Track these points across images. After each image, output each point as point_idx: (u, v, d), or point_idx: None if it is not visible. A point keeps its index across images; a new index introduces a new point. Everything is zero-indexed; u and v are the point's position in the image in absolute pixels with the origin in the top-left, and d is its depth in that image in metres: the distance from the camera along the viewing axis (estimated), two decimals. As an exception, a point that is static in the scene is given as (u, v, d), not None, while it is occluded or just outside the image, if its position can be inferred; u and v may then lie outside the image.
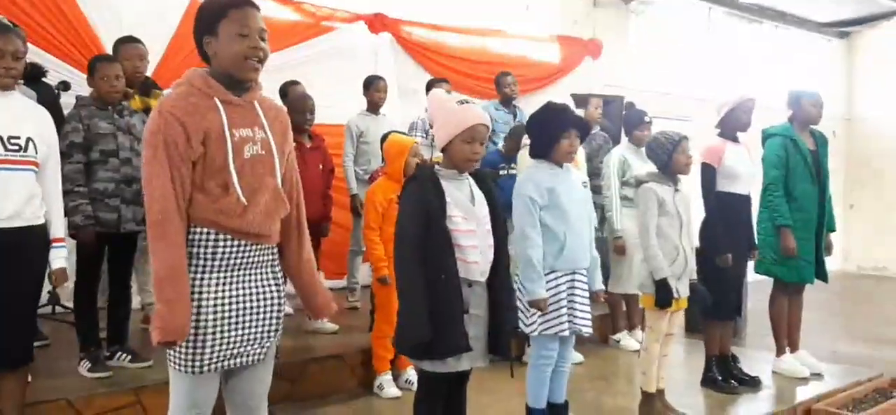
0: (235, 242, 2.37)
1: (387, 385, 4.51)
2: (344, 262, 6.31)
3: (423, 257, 2.85)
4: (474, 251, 2.92)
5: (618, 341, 6.03)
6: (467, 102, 3.04)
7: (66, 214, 3.53)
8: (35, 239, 3.14)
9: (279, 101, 5.44)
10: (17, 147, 3.03)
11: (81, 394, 3.73)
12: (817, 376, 5.23)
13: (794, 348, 5.32)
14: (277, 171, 2.46)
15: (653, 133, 4.39)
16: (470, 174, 3.04)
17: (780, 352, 5.29)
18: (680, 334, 6.54)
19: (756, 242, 5.05)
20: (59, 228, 3.29)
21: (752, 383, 4.90)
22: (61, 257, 3.27)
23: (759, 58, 10.86)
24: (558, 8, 9.22)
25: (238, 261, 2.39)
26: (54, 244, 3.25)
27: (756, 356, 5.68)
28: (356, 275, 6.23)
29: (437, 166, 3.02)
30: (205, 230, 2.34)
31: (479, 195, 3.03)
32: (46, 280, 3.32)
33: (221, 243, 2.35)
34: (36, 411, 3.50)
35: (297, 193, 2.61)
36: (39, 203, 3.15)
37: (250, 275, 2.43)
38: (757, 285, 5.54)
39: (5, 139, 3.01)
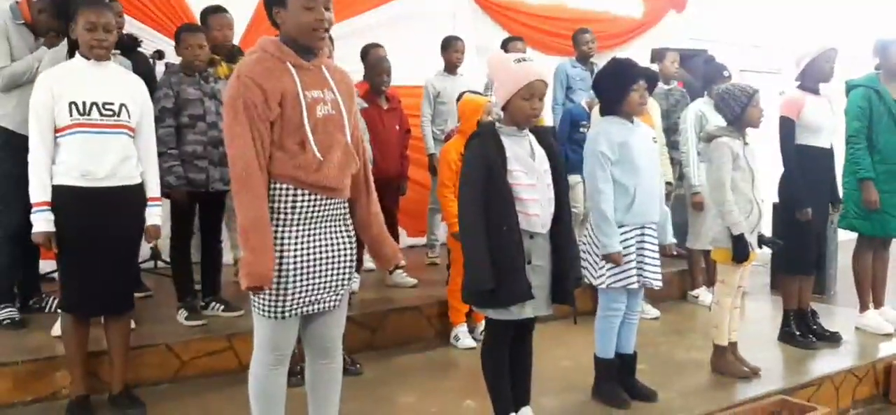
0: (312, 196, 2.55)
1: (462, 336, 4.68)
2: (424, 220, 6.49)
3: (486, 210, 2.96)
4: (535, 204, 3.02)
5: (696, 297, 6.00)
6: (525, 60, 3.10)
7: (160, 174, 3.76)
8: (131, 197, 3.40)
9: (360, 63, 5.64)
10: (111, 112, 3.28)
11: (179, 339, 4.06)
12: (901, 332, 5.10)
13: (878, 304, 5.20)
14: (347, 129, 2.63)
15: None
16: (530, 130, 3.13)
17: (863, 308, 5.18)
18: (765, 291, 6.46)
19: (840, 196, 4.94)
20: (154, 187, 3.53)
21: (832, 339, 4.82)
22: (156, 215, 3.53)
23: (856, 7, 10.29)
24: (642, -40, 9.03)
25: (315, 214, 2.57)
26: (150, 203, 3.50)
27: (840, 313, 5.58)
28: (435, 232, 6.38)
29: (497, 123, 3.13)
30: (284, 186, 2.53)
31: (540, 151, 3.11)
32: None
33: (300, 198, 2.54)
34: (140, 354, 3.85)
35: (363, 150, 2.78)
36: (135, 164, 3.40)
37: (326, 227, 2.62)
38: (849, 244, 5.39)
39: (100, 105, 3.26)
